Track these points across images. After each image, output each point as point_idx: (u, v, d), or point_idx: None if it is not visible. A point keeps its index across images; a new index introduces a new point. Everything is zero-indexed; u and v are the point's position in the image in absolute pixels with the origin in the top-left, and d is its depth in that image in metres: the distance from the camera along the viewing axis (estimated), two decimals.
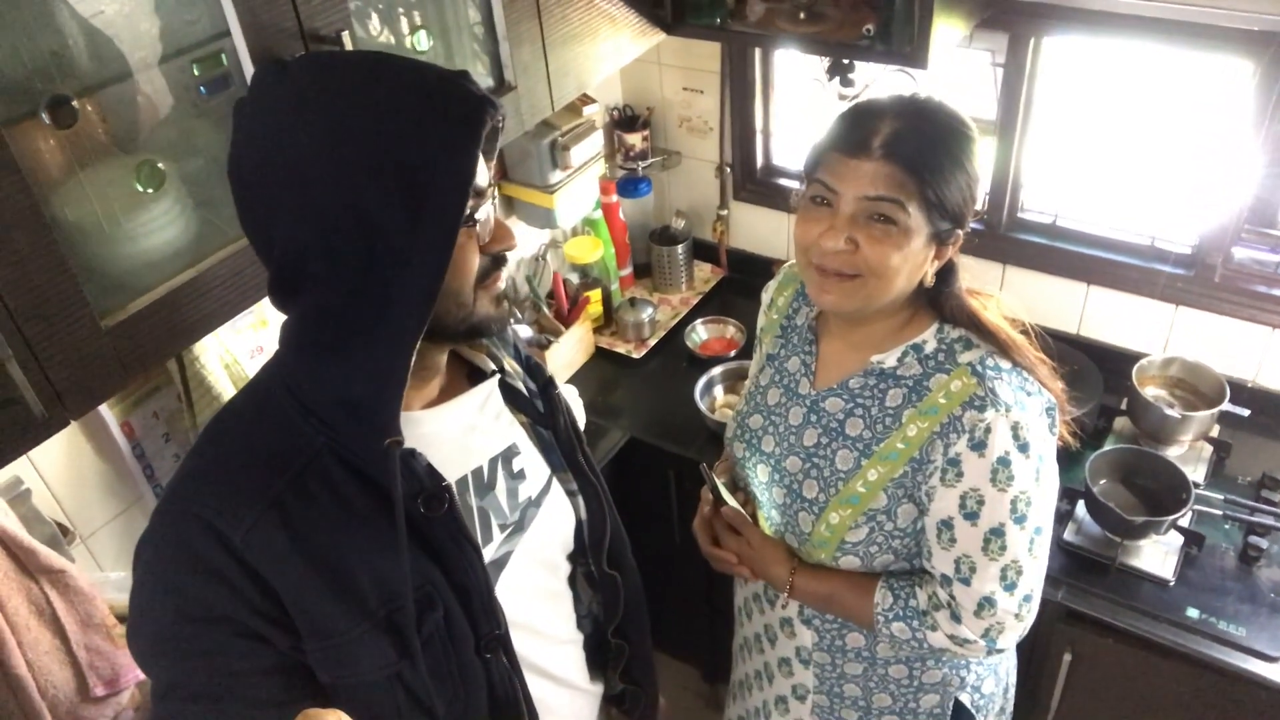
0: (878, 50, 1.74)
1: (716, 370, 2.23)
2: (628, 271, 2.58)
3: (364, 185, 0.81)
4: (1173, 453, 1.92)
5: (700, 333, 2.42)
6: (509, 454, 1.09)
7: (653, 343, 2.42)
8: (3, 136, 0.95)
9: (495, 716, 1.04)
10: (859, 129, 1.16)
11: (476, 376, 1.09)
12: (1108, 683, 1.77)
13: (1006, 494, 1.18)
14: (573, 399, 2.13)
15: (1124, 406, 2.01)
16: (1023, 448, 1.18)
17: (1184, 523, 1.76)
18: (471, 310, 0.93)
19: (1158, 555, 1.75)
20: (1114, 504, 1.74)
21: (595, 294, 2.41)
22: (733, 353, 2.34)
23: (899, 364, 1.27)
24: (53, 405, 1.06)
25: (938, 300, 1.26)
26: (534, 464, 1.12)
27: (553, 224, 2.23)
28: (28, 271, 1.00)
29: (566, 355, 2.31)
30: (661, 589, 2.08)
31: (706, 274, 2.65)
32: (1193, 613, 1.67)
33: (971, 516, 1.20)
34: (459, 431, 1.04)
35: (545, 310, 2.34)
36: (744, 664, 1.62)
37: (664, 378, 2.35)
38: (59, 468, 1.53)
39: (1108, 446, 1.92)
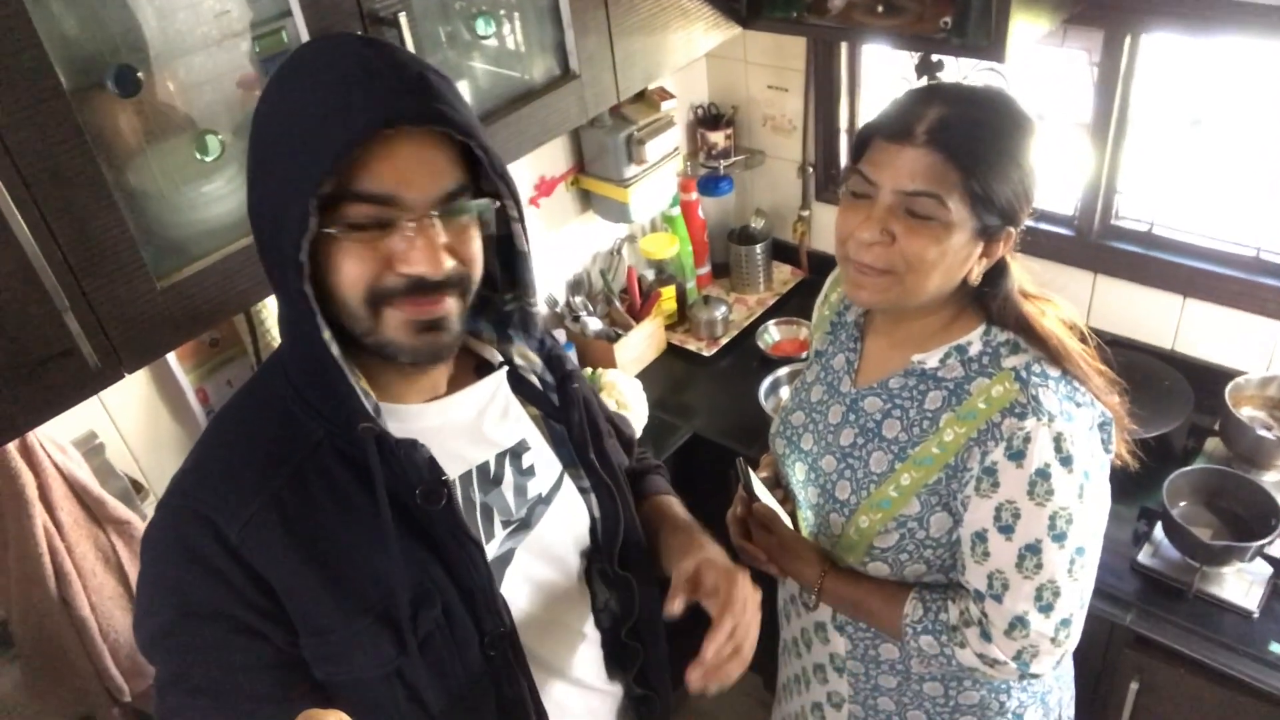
0: (954, 44, 1.68)
1: (783, 371, 2.20)
2: (706, 270, 2.57)
3: (262, 180, 0.84)
4: (1269, 478, 1.79)
5: (772, 333, 2.39)
6: (518, 450, 1.06)
7: (724, 341, 2.41)
8: (69, 103, 1.02)
9: (502, 714, 1.02)
10: (906, 114, 1.12)
11: (485, 369, 1.07)
12: (1177, 716, 1.66)
13: (1045, 509, 1.12)
14: (636, 395, 2.13)
15: (1217, 427, 1.88)
16: (1065, 461, 1.12)
17: (1273, 551, 1.63)
18: (373, 328, 0.88)
19: (1241, 585, 1.63)
20: (1195, 527, 1.63)
21: (669, 290, 2.41)
22: (804, 354, 2.31)
23: (941, 365, 1.22)
24: (108, 358, 1.12)
25: (986, 300, 1.21)
26: (545, 460, 1.09)
27: (627, 218, 2.24)
28: (89, 231, 1.07)
29: (635, 350, 2.32)
30: None
31: (786, 275, 2.61)
32: (1277, 648, 1.54)
33: (1006, 530, 1.14)
34: (464, 426, 1.02)
35: (617, 304, 2.35)
36: (786, 667, 1.58)
37: (733, 377, 2.33)
38: (138, 427, 1.62)
39: (1194, 466, 1.80)
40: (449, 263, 0.86)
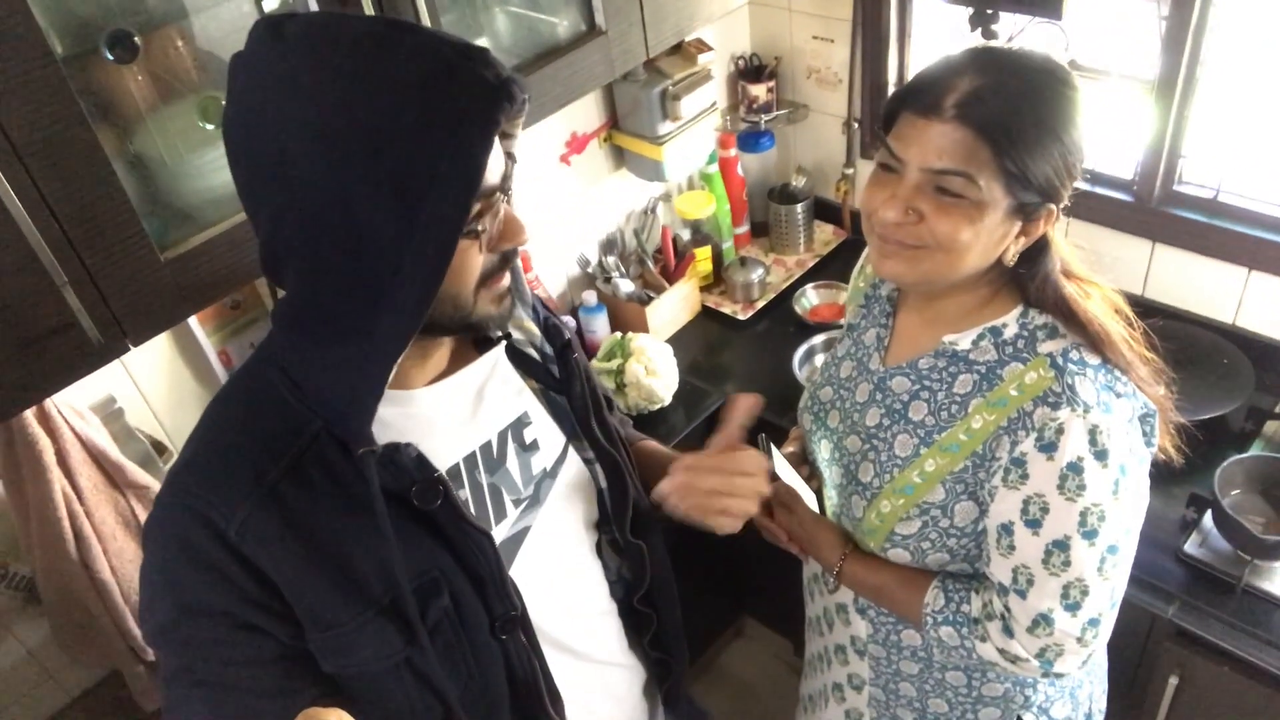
0: None
1: (819, 338, 2.13)
2: (744, 229, 2.49)
3: (354, 183, 0.75)
4: None
5: (810, 298, 2.31)
6: (519, 424, 1.04)
7: (761, 305, 2.34)
8: (62, 70, 0.99)
9: (515, 697, 1.01)
10: (936, 84, 1.04)
11: (483, 344, 1.04)
12: (1218, 715, 1.59)
13: (1075, 504, 1.06)
14: (666, 361, 2.07)
15: (1278, 410, 1.78)
16: (1100, 455, 1.05)
17: None
18: (470, 311, 0.88)
19: None
20: (1248, 517, 1.55)
21: (704, 251, 2.34)
22: (842, 321, 2.23)
23: (973, 347, 1.15)
24: (111, 332, 1.10)
25: (1023, 281, 1.14)
26: (547, 433, 1.07)
27: (661, 177, 2.17)
28: (87, 203, 1.04)
29: (669, 313, 2.26)
30: (753, 557, 2.03)
31: (828, 235, 2.52)
32: None
33: (1033, 524, 1.08)
34: (464, 406, 1.00)
35: (650, 265, 2.29)
36: (811, 643, 1.56)
37: (769, 342, 2.26)
38: (161, 388, 1.62)
39: (1252, 452, 1.70)
40: None
